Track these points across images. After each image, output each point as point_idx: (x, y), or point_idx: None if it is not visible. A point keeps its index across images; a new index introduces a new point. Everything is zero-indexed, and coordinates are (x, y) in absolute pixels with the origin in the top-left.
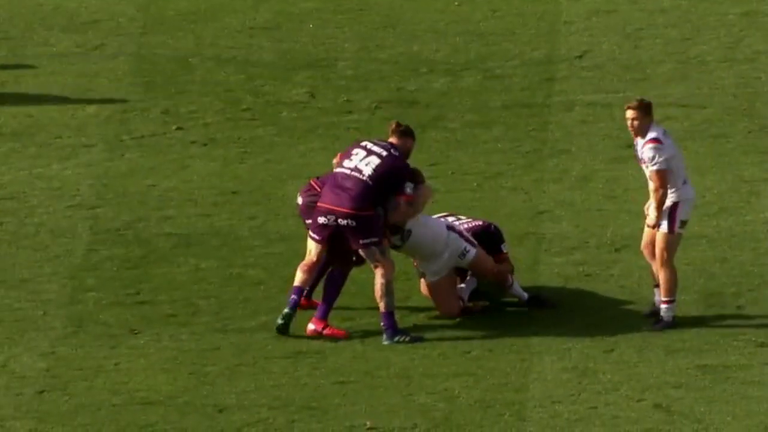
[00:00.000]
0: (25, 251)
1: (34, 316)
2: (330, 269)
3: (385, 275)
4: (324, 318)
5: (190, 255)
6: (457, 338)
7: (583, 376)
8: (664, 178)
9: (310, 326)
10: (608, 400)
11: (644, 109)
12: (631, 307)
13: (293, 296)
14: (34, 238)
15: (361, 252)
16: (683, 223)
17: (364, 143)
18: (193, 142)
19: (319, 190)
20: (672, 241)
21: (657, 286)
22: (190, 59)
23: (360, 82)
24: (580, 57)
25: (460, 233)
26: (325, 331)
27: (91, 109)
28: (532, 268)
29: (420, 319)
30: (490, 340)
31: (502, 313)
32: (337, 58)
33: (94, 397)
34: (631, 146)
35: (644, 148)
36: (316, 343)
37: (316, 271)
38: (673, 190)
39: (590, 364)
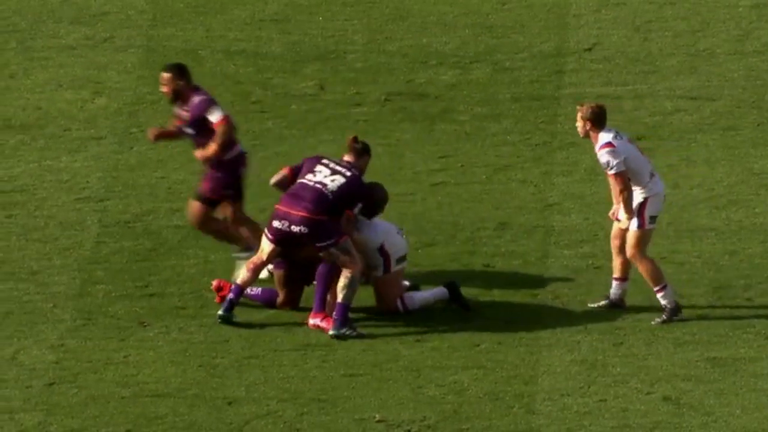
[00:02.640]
0: (34, 244)
1: (44, 308)
2: (320, 265)
3: (351, 272)
4: (321, 310)
5: (199, 247)
6: (467, 331)
7: (593, 368)
8: (623, 180)
9: (311, 321)
10: (617, 392)
11: (591, 116)
12: (640, 299)
13: (231, 296)
14: (44, 230)
15: (322, 255)
16: (653, 219)
17: (325, 161)
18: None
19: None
20: (642, 237)
21: (618, 279)
22: (199, 51)
23: (369, 75)
24: (590, 49)
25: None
26: (322, 323)
27: (101, 101)
28: (541, 260)
29: (429, 312)
30: (500, 332)
31: (512, 306)
32: (346, 50)
33: (103, 389)
34: (641, 139)
35: (599, 154)
36: (326, 336)
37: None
38: (639, 187)
39: (599, 357)
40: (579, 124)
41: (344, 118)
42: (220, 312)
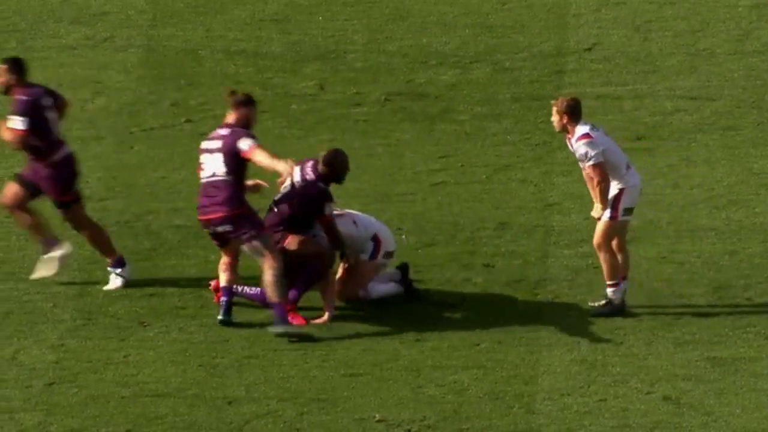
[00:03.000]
0: (34, 244)
1: (44, 308)
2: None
3: (272, 267)
4: (293, 302)
5: (199, 247)
6: (466, 330)
7: (593, 368)
8: (602, 171)
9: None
10: (617, 392)
11: (567, 109)
12: (640, 299)
13: (224, 298)
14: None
15: (245, 249)
16: (627, 211)
17: (203, 146)
18: (202, 134)
19: None
20: (613, 228)
21: (622, 278)
22: (199, 51)
23: (369, 75)
24: (590, 49)
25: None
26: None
27: (101, 101)
28: (541, 260)
29: (428, 311)
30: (500, 332)
31: (512, 306)
32: (346, 50)
33: (103, 389)
34: (641, 138)
35: (576, 146)
36: (326, 336)
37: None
38: (615, 179)
39: (599, 357)
40: (555, 118)
41: (344, 118)
42: (219, 317)
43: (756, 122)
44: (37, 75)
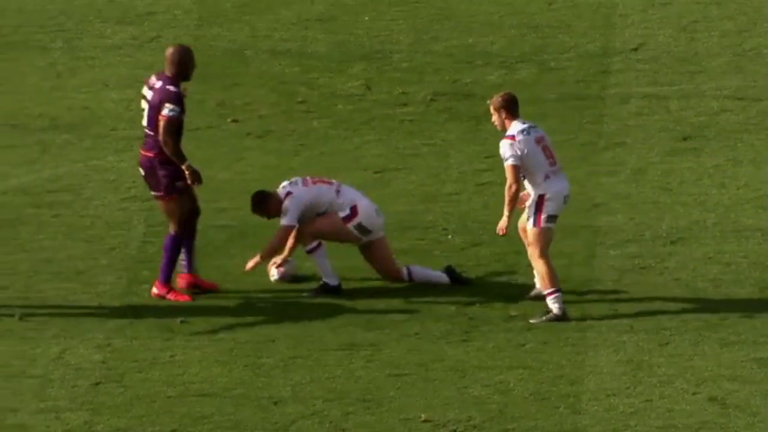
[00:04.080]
0: (80, 243)
1: (90, 308)
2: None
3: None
4: (167, 282)
5: (245, 247)
6: (512, 330)
7: (638, 369)
8: (515, 174)
9: (154, 290)
10: (663, 393)
11: (502, 104)
12: (686, 300)
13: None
14: (90, 230)
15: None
16: (551, 218)
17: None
18: (248, 135)
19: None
20: (540, 236)
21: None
22: (245, 51)
23: (415, 75)
24: (636, 49)
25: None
26: (169, 296)
27: None
28: (588, 261)
29: (474, 311)
30: (545, 332)
31: None
32: (392, 50)
33: (149, 388)
34: (687, 139)
35: (500, 144)
36: (371, 336)
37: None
38: (532, 186)
39: (645, 357)
40: (494, 117)
41: (390, 118)
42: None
43: None
44: (83, 75)
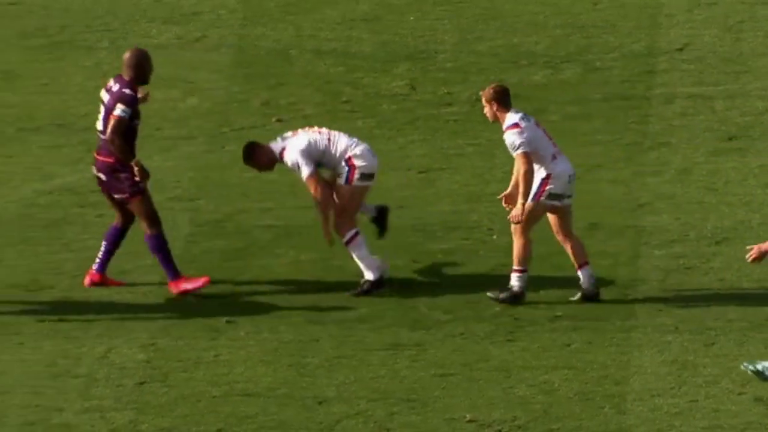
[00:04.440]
0: (125, 243)
1: (135, 307)
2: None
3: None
4: (177, 277)
5: (290, 247)
6: (557, 331)
7: (684, 369)
8: (528, 160)
9: (173, 289)
10: (708, 393)
11: (494, 96)
12: (731, 300)
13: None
14: (134, 229)
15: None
16: (554, 196)
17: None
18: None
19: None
20: (531, 210)
21: (579, 267)
22: (290, 51)
23: (460, 75)
24: (681, 49)
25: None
26: (187, 287)
27: (192, 101)
28: (632, 261)
29: (519, 311)
30: (590, 332)
31: (602, 306)
32: (437, 50)
33: (193, 388)
34: (733, 139)
35: (505, 135)
36: (416, 336)
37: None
38: (540, 166)
39: (690, 358)
40: (486, 109)
41: (434, 118)
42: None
43: None
44: None
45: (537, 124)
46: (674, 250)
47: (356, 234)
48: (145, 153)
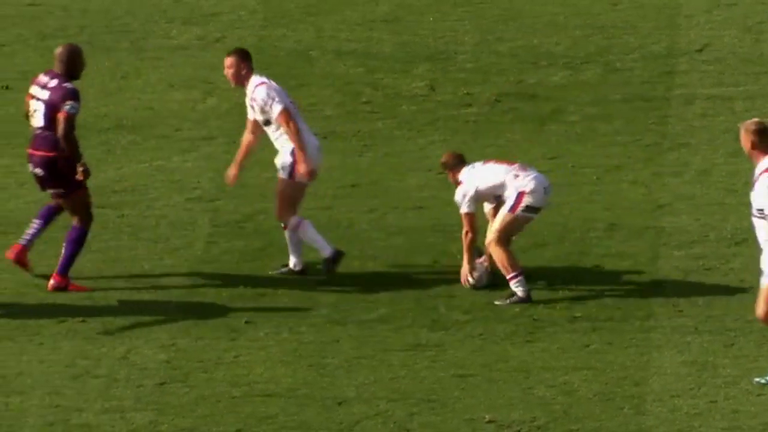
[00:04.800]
0: (145, 243)
1: (155, 308)
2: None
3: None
4: (65, 273)
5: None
6: (576, 331)
7: (703, 370)
8: (470, 222)
9: (51, 282)
10: (728, 394)
11: (445, 163)
12: (751, 301)
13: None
14: (155, 230)
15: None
16: (529, 209)
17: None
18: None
19: None
20: (510, 221)
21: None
22: (310, 52)
23: (480, 75)
24: (701, 50)
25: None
26: (69, 287)
27: (212, 101)
28: (652, 261)
29: (538, 312)
30: (610, 333)
31: (622, 307)
32: (456, 50)
33: (214, 388)
34: None
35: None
36: (435, 336)
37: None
38: (511, 188)
39: (710, 358)
40: (449, 176)
41: (454, 118)
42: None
43: None
44: (148, 76)
45: (484, 162)
46: (694, 251)
47: (300, 221)
48: (165, 154)
